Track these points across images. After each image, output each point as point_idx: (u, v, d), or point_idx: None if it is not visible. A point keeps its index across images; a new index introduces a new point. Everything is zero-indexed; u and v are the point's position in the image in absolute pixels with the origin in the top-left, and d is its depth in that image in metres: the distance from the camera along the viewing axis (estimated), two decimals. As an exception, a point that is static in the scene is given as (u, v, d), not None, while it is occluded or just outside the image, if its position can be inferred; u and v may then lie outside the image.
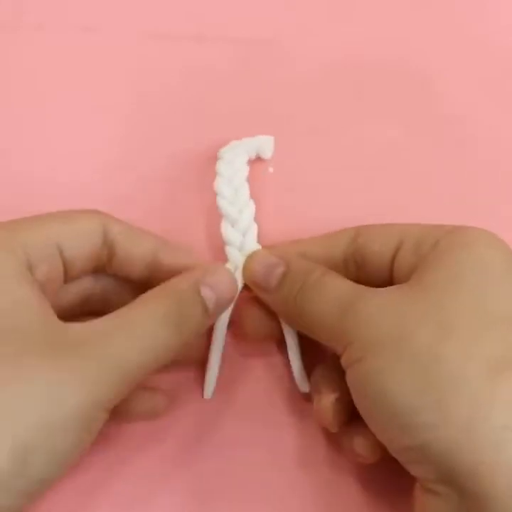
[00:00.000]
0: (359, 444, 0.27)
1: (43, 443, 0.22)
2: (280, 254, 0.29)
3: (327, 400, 0.27)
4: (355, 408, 0.26)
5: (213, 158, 0.31)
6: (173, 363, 0.26)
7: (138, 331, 0.24)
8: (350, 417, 0.27)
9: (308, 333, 0.28)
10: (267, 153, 0.33)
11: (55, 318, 0.24)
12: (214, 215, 0.31)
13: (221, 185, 0.30)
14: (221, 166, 0.30)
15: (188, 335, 0.26)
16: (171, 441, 0.30)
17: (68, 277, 0.27)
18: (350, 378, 0.25)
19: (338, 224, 0.32)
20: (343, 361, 0.25)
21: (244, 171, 0.30)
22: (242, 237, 0.29)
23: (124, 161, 0.34)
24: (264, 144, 0.33)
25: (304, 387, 0.30)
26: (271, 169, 0.34)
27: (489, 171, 0.35)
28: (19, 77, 0.36)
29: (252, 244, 0.30)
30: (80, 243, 0.27)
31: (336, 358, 0.27)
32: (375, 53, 0.37)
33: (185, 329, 0.25)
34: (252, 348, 0.31)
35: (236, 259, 0.29)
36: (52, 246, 0.26)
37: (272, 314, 0.29)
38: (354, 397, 0.25)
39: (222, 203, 0.29)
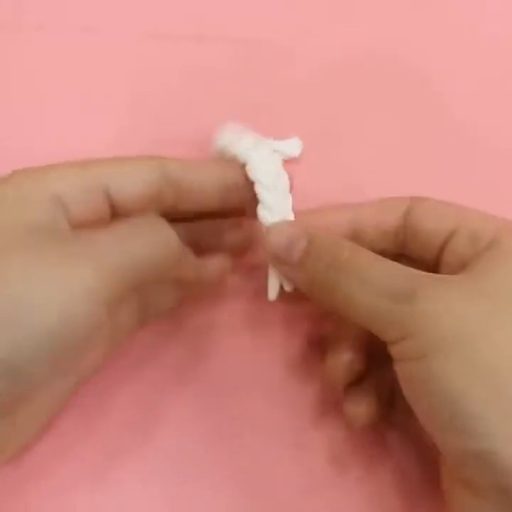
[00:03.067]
0: (358, 412, 0.27)
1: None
2: (304, 226, 0.27)
3: (339, 359, 0.27)
4: (365, 373, 0.27)
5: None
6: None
7: (134, 225, 0.25)
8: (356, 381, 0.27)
9: (338, 313, 0.26)
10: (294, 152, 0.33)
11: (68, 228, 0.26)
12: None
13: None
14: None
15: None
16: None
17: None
18: (405, 372, 0.24)
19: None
20: (396, 353, 0.24)
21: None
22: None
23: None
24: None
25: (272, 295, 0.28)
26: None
27: (489, 169, 0.35)
28: (19, 77, 0.36)
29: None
30: (131, 183, 0.27)
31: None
32: (375, 53, 0.37)
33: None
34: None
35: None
36: (94, 186, 0.26)
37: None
38: (408, 391, 0.24)
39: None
